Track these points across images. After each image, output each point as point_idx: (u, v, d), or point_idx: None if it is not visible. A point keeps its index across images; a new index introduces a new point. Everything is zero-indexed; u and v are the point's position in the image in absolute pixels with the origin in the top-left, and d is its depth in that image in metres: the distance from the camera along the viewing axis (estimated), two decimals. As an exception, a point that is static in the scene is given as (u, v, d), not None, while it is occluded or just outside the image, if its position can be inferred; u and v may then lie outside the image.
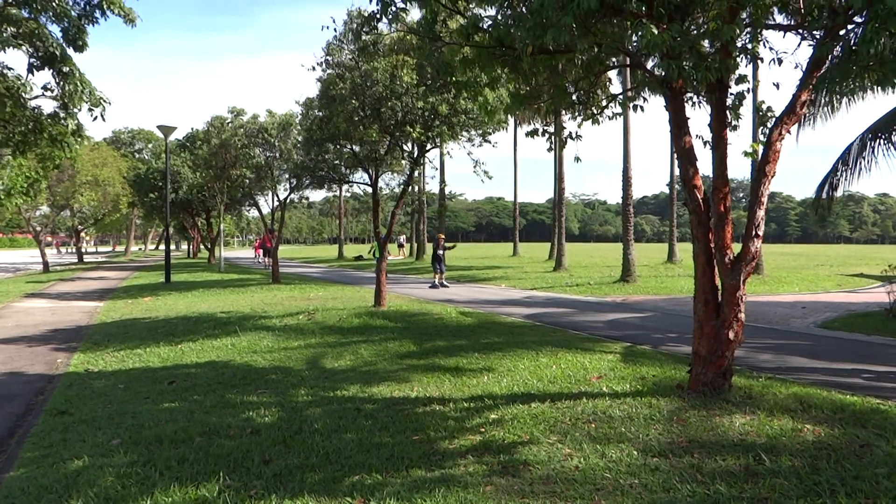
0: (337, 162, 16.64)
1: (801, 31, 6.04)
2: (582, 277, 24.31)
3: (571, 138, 7.89)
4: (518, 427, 5.54)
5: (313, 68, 13.44)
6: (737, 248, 6.21)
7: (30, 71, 10.15)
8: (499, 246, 79.81)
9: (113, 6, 10.07)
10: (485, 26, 6.47)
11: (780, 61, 6.25)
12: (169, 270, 25.56)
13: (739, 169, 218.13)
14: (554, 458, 4.76)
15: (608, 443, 5.06)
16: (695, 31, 5.94)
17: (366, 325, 11.87)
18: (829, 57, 5.74)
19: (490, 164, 13.83)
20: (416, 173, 15.92)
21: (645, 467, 4.54)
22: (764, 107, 6.65)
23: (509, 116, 17.01)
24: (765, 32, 6.39)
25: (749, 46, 6.17)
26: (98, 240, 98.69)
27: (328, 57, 13.27)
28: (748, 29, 6.19)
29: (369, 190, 15.84)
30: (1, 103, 10.15)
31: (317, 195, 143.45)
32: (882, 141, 11.86)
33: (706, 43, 6.15)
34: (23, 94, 10.35)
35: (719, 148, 6.34)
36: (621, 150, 22.99)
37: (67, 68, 10.09)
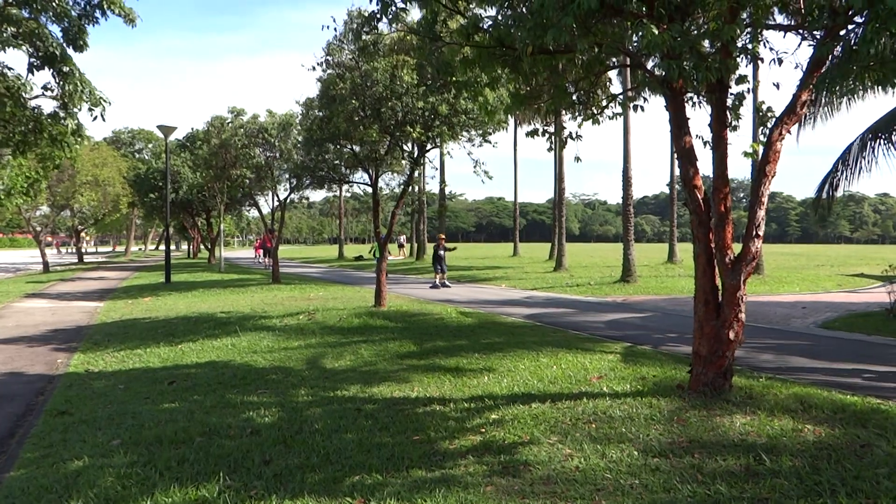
0: (337, 162, 16.65)
1: (801, 31, 6.04)
2: (582, 277, 24.31)
3: (572, 138, 7.89)
4: (518, 427, 5.54)
5: (313, 68, 13.44)
6: (737, 248, 6.21)
7: (30, 71, 10.16)
8: (499, 246, 79.82)
9: (113, 6, 10.07)
10: (485, 26, 6.47)
11: (780, 61, 6.25)
12: (169, 270, 25.56)
13: (740, 169, 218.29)
14: (554, 459, 4.76)
15: (609, 443, 5.06)
16: (695, 32, 5.94)
17: (366, 326, 11.87)
18: (830, 57, 5.73)
19: (490, 165, 13.85)
20: (416, 173, 15.92)
21: (645, 467, 4.54)
22: (764, 107, 6.66)
23: (509, 116, 17.03)
24: (765, 32, 6.39)
25: (749, 46, 6.18)
26: (98, 240, 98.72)
27: (328, 57, 13.27)
28: (748, 29, 6.19)
29: (369, 190, 15.85)
30: (1, 103, 10.16)
31: (317, 195, 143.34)
32: (882, 141, 11.85)
33: (706, 43, 6.15)
34: (23, 94, 10.36)
35: (719, 148, 6.34)
36: (621, 150, 23.01)
37: (67, 68, 10.09)
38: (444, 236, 23.37)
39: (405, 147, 14.31)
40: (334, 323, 12.11)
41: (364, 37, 11.80)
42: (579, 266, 31.57)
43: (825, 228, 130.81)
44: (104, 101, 10.53)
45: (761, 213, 6.20)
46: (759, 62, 6.44)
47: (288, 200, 23.97)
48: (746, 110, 6.88)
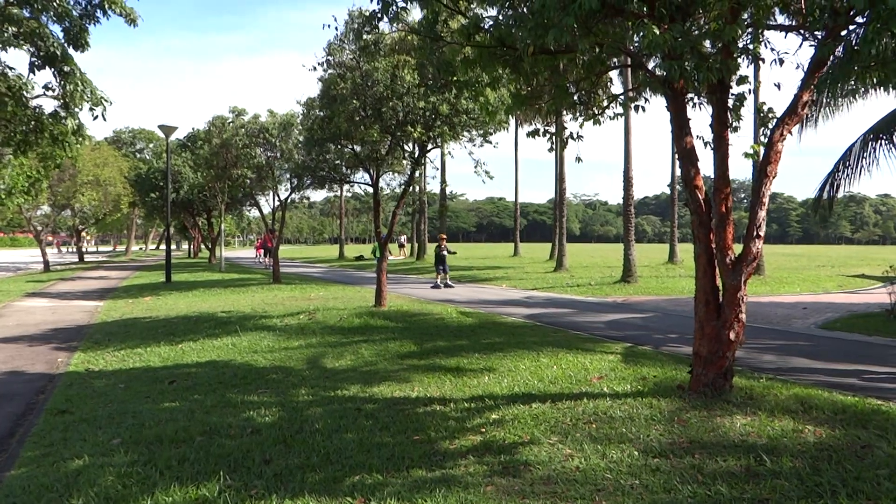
0: (338, 162, 16.64)
1: (802, 31, 6.04)
2: (583, 278, 24.30)
3: (572, 138, 7.89)
4: (519, 427, 5.54)
5: (314, 68, 13.46)
6: (738, 248, 6.21)
7: (31, 70, 10.16)
8: (500, 246, 79.82)
9: (114, 6, 10.08)
10: (486, 26, 6.47)
11: (781, 62, 6.24)
12: (169, 270, 25.57)
13: (741, 170, 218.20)
14: (555, 459, 4.75)
15: (609, 443, 5.06)
16: (696, 32, 5.94)
17: (366, 325, 11.87)
18: (831, 57, 5.73)
19: (491, 165, 13.85)
20: (417, 173, 15.92)
21: (646, 468, 4.54)
22: (765, 108, 6.65)
23: (510, 117, 17.03)
24: (766, 33, 6.39)
25: (750, 47, 6.17)
26: (99, 239, 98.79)
27: (329, 57, 13.28)
28: (749, 29, 6.19)
29: (370, 190, 15.85)
30: (2, 103, 10.16)
31: (318, 195, 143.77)
32: (883, 141, 11.84)
33: (707, 43, 6.15)
34: (24, 94, 10.37)
35: (720, 149, 6.34)
36: (622, 150, 22.99)
37: (68, 68, 10.10)
38: (445, 236, 23.37)
39: (406, 147, 14.31)
40: (335, 323, 12.11)
41: (365, 36, 11.80)
42: (580, 266, 31.57)
43: (826, 229, 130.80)
44: (105, 100, 10.54)
45: (762, 214, 6.20)
46: (761, 63, 6.44)
47: (289, 200, 23.99)
48: (747, 111, 6.88)
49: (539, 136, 7.86)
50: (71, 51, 10.17)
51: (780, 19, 6.45)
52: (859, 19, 5.30)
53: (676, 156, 6.63)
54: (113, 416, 6.32)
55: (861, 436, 5.10)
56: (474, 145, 14.02)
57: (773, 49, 6.35)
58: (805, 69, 5.98)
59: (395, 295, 17.46)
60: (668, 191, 45.96)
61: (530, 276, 26.00)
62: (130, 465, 4.84)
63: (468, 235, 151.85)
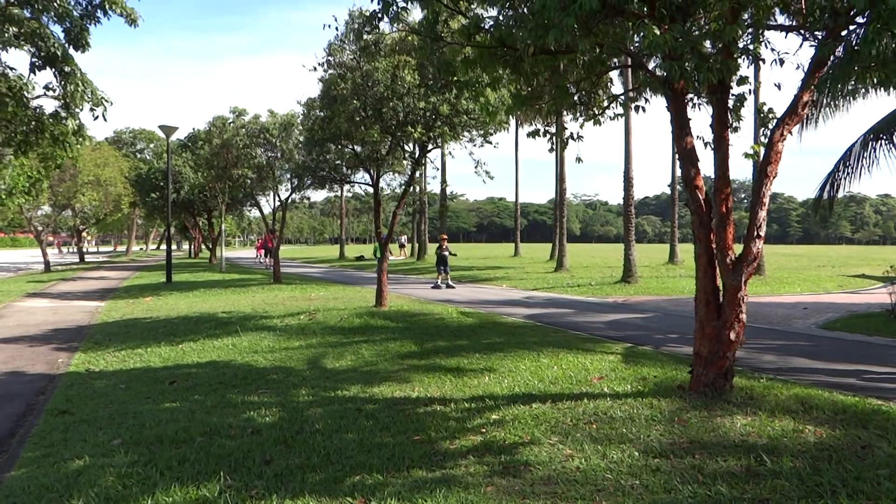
0: (338, 162, 16.65)
1: (802, 31, 6.04)
2: (583, 278, 24.30)
3: (573, 139, 7.89)
4: (519, 427, 5.54)
5: (314, 68, 13.47)
6: (738, 248, 6.21)
7: (32, 71, 10.17)
8: (500, 246, 79.82)
9: (115, 6, 10.09)
10: (486, 26, 6.47)
11: (781, 62, 6.24)
12: (170, 270, 25.58)
13: (741, 170, 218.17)
14: (555, 459, 4.75)
15: (609, 443, 5.06)
16: (696, 32, 5.94)
17: (367, 326, 11.87)
18: (831, 58, 5.73)
19: (491, 165, 13.85)
20: (417, 173, 15.92)
21: (646, 468, 4.54)
22: (765, 108, 6.65)
23: (510, 117, 17.02)
24: (766, 33, 6.39)
25: (751, 47, 6.17)
26: (99, 239, 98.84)
27: (330, 57, 13.28)
28: (750, 30, 6.19)
29: (371, 190, 15.85)
30: (3, 103, 10.17)
31: (318, 195, 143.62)
32: (884, 142, 11.84)
33: (708, 44, 6.15)
34: (25, 94, 10.38)
35: (721, 149, 6.34)
36: (623, 150, 22.97)
37: (69, 68, 10.11)
38: (446, 236, 23.36)
39: (406, 147, 14.32)
40: (335, 323, 12.11)
41: (365, 36, 11.81)
42: (580, 266, 31.57)
43: (826, 229, 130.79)
44: (106, 100, 10.55)
45: (762, 214, 6.20)
46: (761, 63, 6.44)
47: (289, 200, 24.00)
48: (748, 111, 6.88)
49: (539, 136, 7.86)
50: (71, 51, 10.19)
51: (781, 19, 6.45)
52: (860, 19, 5.30)
53: (677, 156, 6.62)
54: (113, 417, 6.32)
55: (861, 436, 5.10)
56: (475, 145, 14.03)
57: (773, 49, 6.35)
58: (805, 69, 5.98)
59: (395, 295, 17.47)
60: (668, 191, 45.96)
61: (531, 276, 26.00)
62: (131, 466, 4.84)
63: (468, 235, 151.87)
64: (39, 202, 34.18)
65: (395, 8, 6.81)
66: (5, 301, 18.07)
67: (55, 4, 9.72)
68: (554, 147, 8.42)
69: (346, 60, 13.19)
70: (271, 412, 6.25)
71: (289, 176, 22.76)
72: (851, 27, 5.57)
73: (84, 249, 49.05)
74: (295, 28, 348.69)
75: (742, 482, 4.24)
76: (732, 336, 6.18)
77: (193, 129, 41.35)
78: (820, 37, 5.73)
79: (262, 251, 41.49)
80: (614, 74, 23.79)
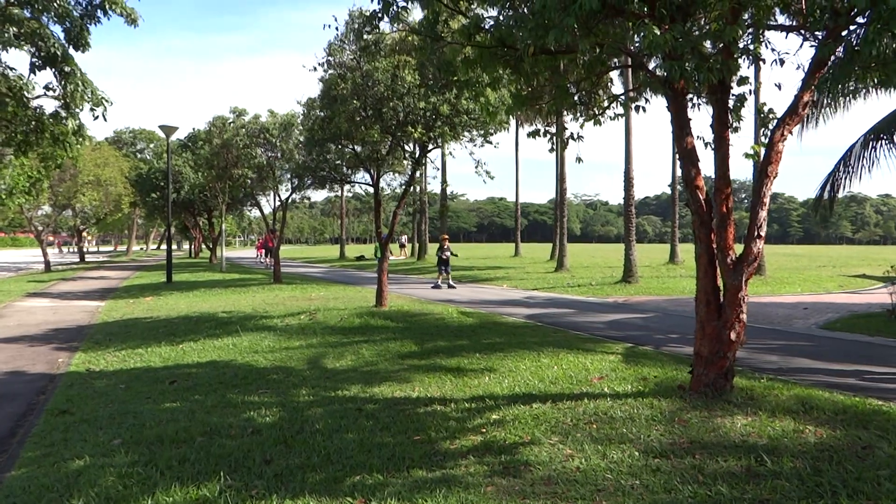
0: (338, 162, 16.65)
1: (803, 31, 6.04)
2: (583, 278, 24.30)
3: (573, 139, 7.89)
4: (519, 427, 5.54)
5: (315, 68, 13.46)
6: (739, 248, 6.21)
7: (32, 71, 10.17)
8: (500, 246, 79.82)
9: (115, 6, 10.09)
10: (487, 26, 6.47)
11: (782, 62, 6.24)
12: (170, 270, 25.58)
13: (742, 170, 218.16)
14: (555, 459, 4.75)
15: (609, 443, 5.05)
16: (697, 32, 5.94)
17: (367, 325, 11.87)
18: (832, 58, 5.73)
19: (492, 165, 13.84)
20: (417, 173, 15.93)
21: (646, 468, 4.54)
22: (766, 108, 6.64)
23: (511, 117, 17.01)
24: (767, 33, 6.38)
25: (751, 48, 6.17)
26: (100, 239, 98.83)
27: (330, 57, 13.28)
28: (750, 30, 6.18)
29: (371, 190, 15.85)
30: (3, 103, 10.17)
31: (318, 195, 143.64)
32: (884, 142, 11.84)
33: (708, 44, 6.15)
34: (25, 94, 10.37)
35: (721, 149, 6.34)
36: (623, 150, 22.97)
37: (69, 68, 10.10)
38: (447, 236, 23.36)
39: (407, 147, 14.32)
40: (335, 323, 12.11)
41: (365, 36, 11.82)
42: (581, 266, 31.56)
43: (827, 229, 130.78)
44: (106, 100, 10.54)
45: (763, 214, 6.19)
46: (761, 63, 6.43)
47: (289, 200, 24.00)
48: (748, 111, 6.88)
49: (540, 136, 7.85)
50: (72, 51, 10.18)
51: (781, 19, 6.45)
52: (860, 19, 5.30)
53: (677, 156, 6.62)
54: (114, 417, 6.33)
55: (862, 436, 5.10)
56: (475, 145, 14.02)
57: (773, 49, 6.35)
58: (805, 70, 5.98)
59: (395, 295, 17.47)
60: (668, 191, 45.98)
61: (531, 276, 26.00)
62: (131, 466, 4.85)
63: (469, 235, 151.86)
64: (40, 202, 34.19)
65: (395, 8, 6.81)
66: (6, 301, 18.08)
67: (55, 4, 9.71)
68: (554, 147, 8.42)
69: (347, 60, 13.18)
70: (271, 412, 6.25)
71: (289, 176, 22.77)
72: (852, 27, 5.57)
73: (84, 249, 49.07)
74: (295, 28, 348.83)
75: (742, 482, 4.24)
76: (733, 336, 6.18)
77: (193, 129, 41.36)
78: (820, 37, 5.73)
79: (263, 251, 41.51)
80: (614, 74, 23.79)
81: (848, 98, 14.11)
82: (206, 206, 39.83)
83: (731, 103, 6.36)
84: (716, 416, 5.69)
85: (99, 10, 10.10)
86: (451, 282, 21.70)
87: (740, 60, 6.04)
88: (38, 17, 9.86)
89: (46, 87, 10.45)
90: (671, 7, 5.54)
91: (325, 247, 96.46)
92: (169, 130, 24.51)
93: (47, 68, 10.10)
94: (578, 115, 7.68)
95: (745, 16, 5.96)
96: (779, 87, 7.06)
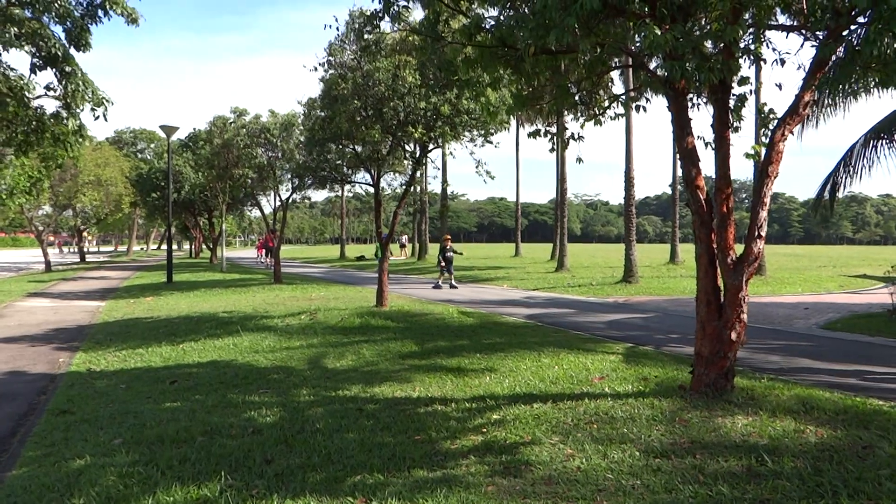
0: (339, 162, 16.65)
1: (803, 31, 6.03)
2: (584, 278, 24.30)
3: (574, 139, 7.88)
4: (520, 427, 5.54)
5: (315, 69, 13.46)
6: (739, 248, 6.20)
7: (32, 71, 10.17)
8: (501, 246, 79.80)
9: (115, 6, 10.09)
10: (487, 26, 6.47)
11: (782, 62, 6.23)
12: (171, 270, 25.59)
13: (742, 170, 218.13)
14: (556, 459, 4.75)
15: (610, 443, 5.05)
16: (698, 32, 5.93)
17: (367, 325, 11.87)
18: (833, 58, 5.73)
19: (492, 165, 13.84)
20: (418, 173, 15.93)
21: (647, 468, 4.54)
22: (766, 108, 6.64)
23: (511, 117, 17.01)
24: (768, 33, 6.38)
25: (752, 47, 6.16)
26: (100, 239, 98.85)
27: (330, 57, 13.28)
28: (751, 30, 6.18)
29: (371, 190, 15.85)
30: (4, 103, 10.17)
31: (319, 195, 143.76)
32: (885, 142, 11.83)
33: (709, 44, 6.14)
34: (26, 94, 10.38)
35: (722, 149, 6.34)
36: (624, 150, 22.97)
37: (70, 68, 10.10)
38: (449, 237, 23.36)
39: (407, 147, 14.31)
40: (336, 323, 12.11)
41: (366, 36, 11.82)
42: (581, 266, 31.56)
43: (827, 229, 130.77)
44: (106, 100, 10.55)
45: (763, 214, 6.19)
46: (762, 63, 6.43)
47: (290, 200, 24.00)
48: (749, 111, 6.88)
49: (540, 136, 7.85)
50: (72, 51, 10.19)
51: (782, 19, 6.45)
52: (861, 19, 5.30)
53: (678, 156, 6.62)
54: (114, 416, 6.33)
55: (863, 436, 5.10)
56: (475, 145, 14.01)
57: (774, 49, 6.34)
58: (806, 69, 5.97)
59: (396, 295, 17.47)
60: (669, 191, 45.98)
61: (531, 276, 26.00)
62: (132, 465, 4.85)
63: (469, 235, 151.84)
64: (40, 202, 34.23)
65: (396, 7, 6.82)
66: (6, 301, 18.09)
67: (56, 5, 9.72)
68: (555, 147, 8.42)
69: (347, 60, 13.18)
70: (272, 412, 6.25)
71: (289, 176, 22.79)
72: (853, 27, 5.57)
73: (85, 249, 49.08)
74: (294, 28, 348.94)
75: (743, 482, 4.24)
76: (733, 336, 6.18)
77: (194, 128, 41.38)
78: (821, 37, 5.73)
79: (263, 251, 41.52)
80: (615, 74, 23.76)
81: (848, 98, 14.10)
82: (207, 206, 39.84)
83: (731, 103, 6.36)
84: (716, 416, 5.69)
85: (100, 10, 10.10)
86: (453, 282, 21.70)
87: (741, 60, 6.04)
88: (39, 17, 9.86)
89: (47, 87, 10.46)
90: (672, 7, 5.54)
91: (326, 247, 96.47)
92: (169, 130, 24.53)
93: (48, 68, 10.10)
94: (579, 114, 7.68)
95: (746, 16, 5.96)
96: (779, 87, 7.03)
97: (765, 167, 6.16)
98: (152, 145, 57.24)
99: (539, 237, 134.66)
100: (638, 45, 6.82)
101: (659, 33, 5.11)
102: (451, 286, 21.26)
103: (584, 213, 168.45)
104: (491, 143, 14.08)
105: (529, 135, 7.89)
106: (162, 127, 24.48)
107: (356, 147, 14.61)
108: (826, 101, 14.37)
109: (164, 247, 54.94)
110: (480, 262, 37.77)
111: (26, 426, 6.38)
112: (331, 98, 13.12)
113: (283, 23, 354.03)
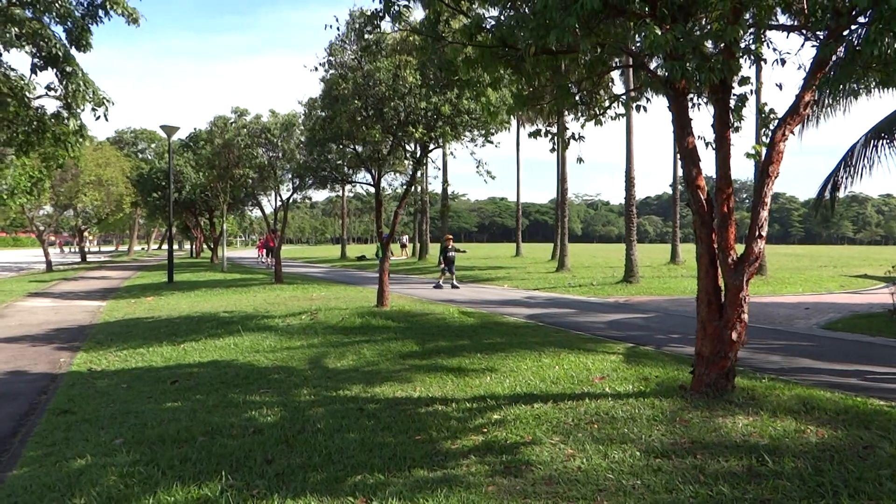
0: (340, 162, 16.65)
1: (804, 31, 6.03)
2: (585, 278, 24.29)
3: (574, 139, 7.89)
4: (521, 427, 5.54)
5: (316, 69, 13.47)
6: (740, 248, 6.20)
7: (33, 71, 10.18)
8: (501, 246, 79.79)
9: (116, 6, 10.10)
10: (488, 26, 6.47)
11: (783, 62, 6.23)
12: (172, 270, 25.60)
13: (742, 170, 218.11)
14: (556, 459, 4.76)
15: (611, 443, 5.05)
16: (698, 32, 5.94)
17: (368, 325, 11.88)
18: (833, 58, 5.72)
19: (493, 165, 13.83)
20: (418, 173, 15.93)
21: (647, 468, 4.54)
22: (767, 108, 6.64)
23: (512, 117, 17.02)
24: (768, 33, 6.38)
25: (752, 47, 6.16)
26: (101, 239, 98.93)
27: (331, 57, 13.28)
28: (751, 30, 6.18)
29: (372, 190, 15.85)
30: (5, 103, 10.18)
31: (320, 195, 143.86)
32: (885, 141, 11.83)
33: (709, 44, 6.14)
34: (26, 94, 10.39)
35: (722, 149, 6.34)
36: (624, 150, 22.97)
37: (70, 68, 10.11)
38: (451, 237, 23.36)
39: (408, 147, 14.31)
40: (337, 323, 12.12)
41: (367, 36, 11.83)
42: (582, 266, 31.55)
43: (828, 229, 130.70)
44: (107, 100, 10.56)
45: (764, 214, 6.19)
46: (763, 63, 6.42)
47: (291, 200, 24.01)
48: (749, 111, 6.88)
49: (541, 136, 7.85)
50: (73, 51, 10.19)
51: (782, 19, 6.45)
52: (861, 19, 5.30)
53: (678, 156, 6.62)
54: (115, 416, 6.33)
55: (863, 436, 5.10)
56: (476, 145, 14.00)
57: (775, 49, 6.34)
58: (807, 69, 5.97)
59: (396, 295, 17.47)
60: (669, 191, 45.97)
61: (532, 276, 26.00)
62: (132, 465, 4.85)
63: (470, 235, 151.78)
64: (41, 202, 34.25)
65: (396, 7, 6.82)
66: (7, 301, 18.10)
67: (57, 5, 9.72)
68: (555, 147, 8.42)
69: (348, 60, 13.19)
70: (273, 412, 6.25)
71: (290, 176, 22.79)
72: (853, 27, 5.56)
73: (86, 249, 49.11)
74: (295, 28, 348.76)
75: (743, 482, 4.24)
76: (734, 336, 6.18)
77: (195, 128, 41.37)
78: (822, 37, 5.73)
79: (264, 251, 41.53)
80: (616, 74, 23.77)
81: (849, 98, 14.09)
82: (208, 206, 39.85)
83: (732, 103, 6.36)
84: (717, 416, 5.69)
85: (100, 10, 10.11)
86: (454, 282, 21.70)
87: (742, 60, 6.04)
88: (40, 17, 9.87)
89: (48, 88, 10.47)
90: (672, 7, 5.54)
91: (326, 247, 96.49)
92: (170, 130, 24.55)
93: (49, 68, 10.11)
94: (579, 114, 7.68)
95: (747, 16, 5.96)
96: (780, 87, 7.03)
97: (765, 167, 6.16)
98: (153, 145, 57.29)
99: (540, 237, 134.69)
100: (638, 45, 6.83)
101: (659, 33, 5.11)
102: (453, 286, 21.26)
103: (584, 213, 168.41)
104: (491, 143, 14.08)
105: (530, 135, 7.89)
106: (163, 127, 24.50)
107: (357, 147, 14.61)
108: (826, 101, 14.37)
109: (165, 247, 54.97)
110: (481, 261, 37.78)
111: (27, 426, 6.39)
112: (331, 98, 13.12)
113: (283, 23, 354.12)
